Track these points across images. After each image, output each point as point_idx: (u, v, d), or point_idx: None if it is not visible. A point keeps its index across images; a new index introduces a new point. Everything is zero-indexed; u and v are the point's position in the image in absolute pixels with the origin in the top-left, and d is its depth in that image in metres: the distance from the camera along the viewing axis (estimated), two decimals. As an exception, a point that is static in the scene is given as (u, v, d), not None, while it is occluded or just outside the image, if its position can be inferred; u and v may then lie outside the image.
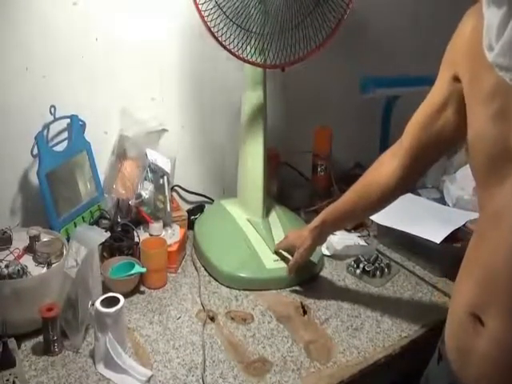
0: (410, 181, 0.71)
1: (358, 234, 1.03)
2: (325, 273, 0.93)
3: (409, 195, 1.03)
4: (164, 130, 1.02)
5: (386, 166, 0.71)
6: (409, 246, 0.95)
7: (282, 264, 0.88)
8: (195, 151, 1.08)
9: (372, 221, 1.02)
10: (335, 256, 0.97)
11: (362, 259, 0.94)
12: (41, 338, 0.73)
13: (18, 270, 0.72)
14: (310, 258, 0.88)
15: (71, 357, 0.72)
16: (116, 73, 0.94)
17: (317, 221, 0.81)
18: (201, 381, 0.69)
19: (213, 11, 0.77)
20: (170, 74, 1.00)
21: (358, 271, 0.92)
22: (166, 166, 0.97)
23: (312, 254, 0.85)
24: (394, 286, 0.90)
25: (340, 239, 0.98)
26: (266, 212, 0.97)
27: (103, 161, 0.97)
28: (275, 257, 0.89)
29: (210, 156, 1.10)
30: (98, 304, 0.70)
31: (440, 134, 0.64)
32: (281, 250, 0.90)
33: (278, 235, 0.92)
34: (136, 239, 0.90)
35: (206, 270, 0.92)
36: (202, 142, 1.08)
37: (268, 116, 0.93)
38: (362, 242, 1.00)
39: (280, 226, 0.96)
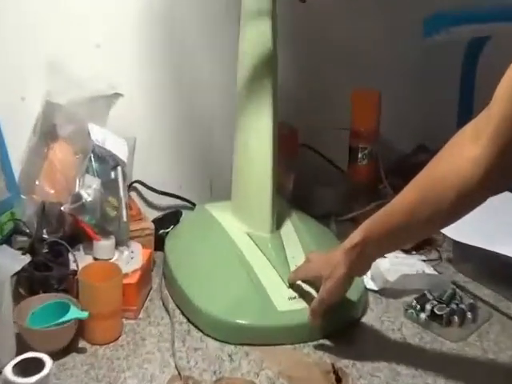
0: (502, 175, 0.68)
1: (423, 258, 1.02)
2: (370, 318, 0.92)
3: (506, 195, 0.99)
4: (117, 95, 1.02)
5: (466, 151, 0.68)
6: (506, 276, 0.94)
7: (302, 304, 0.87)
8: (166, 128, 1.09)
9: (445, 236, 1.02)
10: (386, 292, 0.96)
11: (430, 297, 0.92)
12: None
13: None
14: (346, 295, 0.86)
15: None
16: (41, 4, 0.94)
17: (356, 237, 0.80)
18: None
19: None
20: (124, 8, 1.00)
21: (422, 316, 0.90)
22: (120, 150, 0.97)
23: (348, 288, 0.84)
24: (482, 341, 0.88)
25: (393, 265, 0.98)
26: (277, 222, 0.96)
27: (19, 143, 0.96)
28: (291, 292, 0.88)
29: (189, 136, 1.11)
30: (8, 370, 0.68)
31: None
32: (299, 282, 0.89)
33: (296, 258, 0.92)
34: (72, 266, 0.89)
35: (182, 313, 0.91)
36: (177, 113, 1.08)
37: (280, 75, 0.92)
38: (430, 270, 0.99)
39: (298, 243, 0.96)
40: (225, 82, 1.02)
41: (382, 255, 0.91)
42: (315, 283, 0.86)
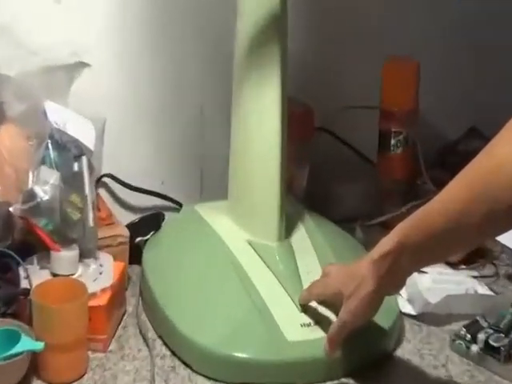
0: None
1: (475, 273, 1.02)
2: (406, 351, 0.92)
3: None
4: (82, 65, 1.02)
5: None
6: None
7: (319, 332, 0.87)
8: (145, 107, 1.09)
9: (503, 246, 1.03)
10: (427, 317, 0.96)
11: (484, 324, 0.92)
12: None
13: None
14: (375, 321, 0.86)
15: None
16: None
17: (388, 243, 0.79)
18: None
19: None
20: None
21: (474, 348, 0.90)
22: (85, 136, 0.97)
23: (376, 310, 0.83)
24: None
25: (436, 283, 0.98)
26: (287, 228, 0.96)
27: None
28: (304, 318, 0.88)
29: (173, 117, 1.11)
30: None
31: None
32: (314, 304, 0.89)
33: (310, 274, 0.92)
34: (24, 283, 0.89)
35: (165, 344, 0.91)
36: (158, 88, 1.09)
37: (291, 39, 0.92)
38: (483, 289, 0.99)
39: (313, 255, 0.96)
40: (220, 46, 1.03)
41: (420, 268, 0.90)
42: (335, 304, 0.85)
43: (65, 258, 0.90)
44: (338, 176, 1.14)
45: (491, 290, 0.99)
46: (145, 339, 0.91)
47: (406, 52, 1.13)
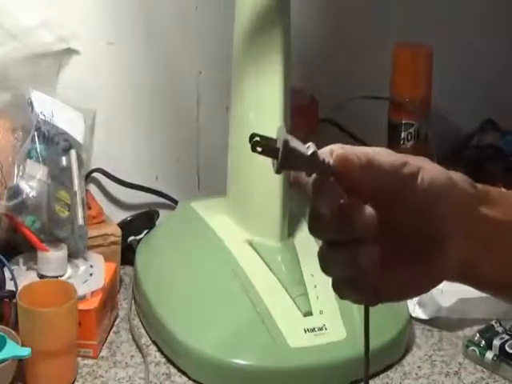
0: None
1: None
2: (416, 358, 0.92)
3: None
4: (70, 52, 1.02)
5: None
6: None
7: (323, 338, 0.87)
8: (138, 98, 1.09)
9: None
10: (439, 322, 0.97)
11: (500, 329, 0.92)
12: None
13: None
14: (382, 325, 0.86)
15: None
16: None
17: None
18: None
19: None
20: None
21: (489, 355, 0.90)
22: (74, 128, 0.97)
23: None
24: None
25: (449, 285, 0.94)
26: (290, 227, 0.96)
27: None
28: (308, 322, 0.88)
29: (168, 108, 1.11)
30: None
31: None
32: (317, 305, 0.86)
33: (315, 276, 0.91)
34: (9, 285, 0.89)
35: (160, 350, 0.92)
36: (151, 77, 1.09)
37: (293, 23, 0.93)
38: None
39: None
40: (217, 32, 1.02)
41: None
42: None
43: (53, 258, 0.91)
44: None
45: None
46: (138, 345, 0.92)
47: (419, 37, 1.12)
